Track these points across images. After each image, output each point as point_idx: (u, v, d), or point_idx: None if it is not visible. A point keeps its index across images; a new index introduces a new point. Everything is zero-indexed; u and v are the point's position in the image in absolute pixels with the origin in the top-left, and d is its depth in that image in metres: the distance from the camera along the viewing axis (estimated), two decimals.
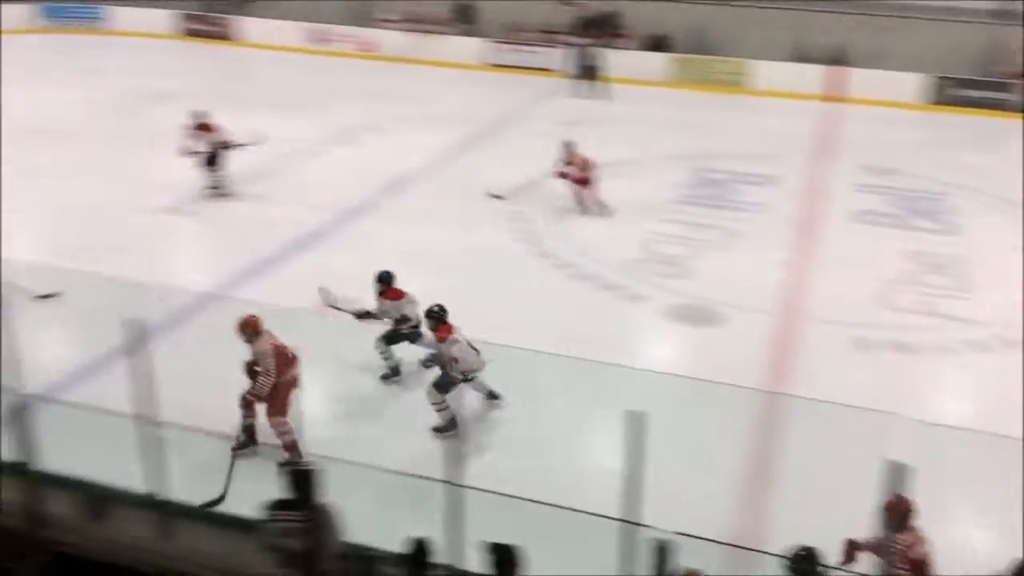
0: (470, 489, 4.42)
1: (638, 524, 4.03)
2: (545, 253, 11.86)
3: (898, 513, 4.71)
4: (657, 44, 23.41)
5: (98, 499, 5.58)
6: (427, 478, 4.44)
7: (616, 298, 10.66)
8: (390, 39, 24.60)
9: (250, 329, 6.95)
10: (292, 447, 6.98)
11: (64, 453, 5.98)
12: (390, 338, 8.39)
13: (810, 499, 6.65)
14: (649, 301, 10.59)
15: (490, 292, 10.48)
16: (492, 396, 7.99)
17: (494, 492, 5.16)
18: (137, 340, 4.51)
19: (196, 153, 13.19)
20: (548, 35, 23.96)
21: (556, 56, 22.79)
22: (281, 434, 7.01)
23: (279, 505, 4.40)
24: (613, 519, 4.14)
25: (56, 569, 3.60)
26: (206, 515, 5.06)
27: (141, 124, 17.22)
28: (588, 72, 21.34)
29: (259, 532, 4.41)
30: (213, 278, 10.62)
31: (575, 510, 5.22)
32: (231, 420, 7.06)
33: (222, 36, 25.84)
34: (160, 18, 25.91)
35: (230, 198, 13.37)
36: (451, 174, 14.99)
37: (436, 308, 7.68)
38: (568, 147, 13.21)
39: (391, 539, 4.49)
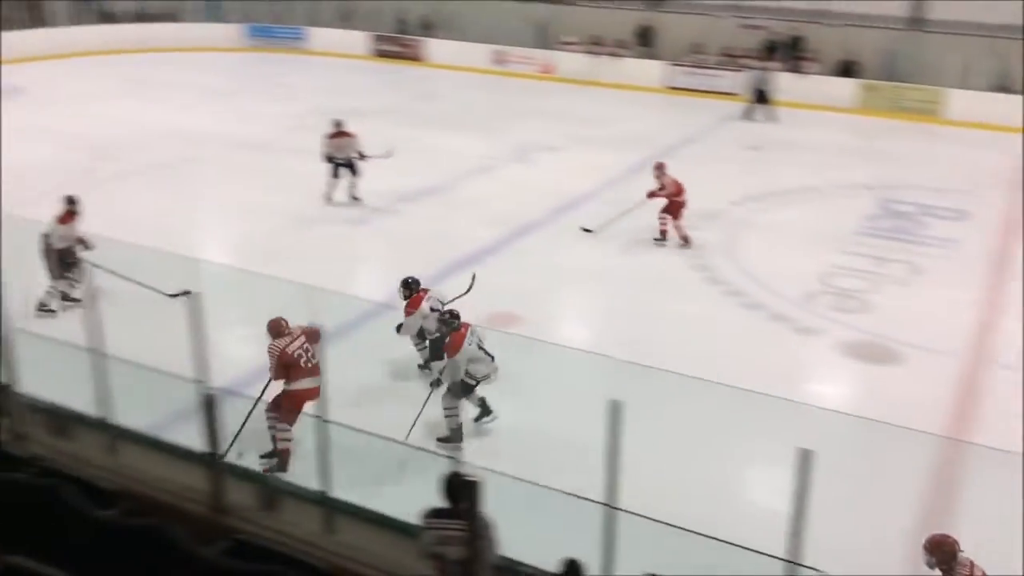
0: (636, 516, 4.36)
1: (800, 565, 3.87)
2: (717, 280, 11.62)
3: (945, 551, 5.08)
4: (845, 69, 22.60)
5: (272, 492, 5.89)
6: (586, 499, 4.40)
7: (788, 330, 10.31)
8: (570, 61, 24.88)
9: (270, 330, 7.17)
10: (283, 455, 6.99)
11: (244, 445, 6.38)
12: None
13: (984, 555, 6.18)
14: (824, 335, 10.17)
15: (657, 316, 10.37)
16: (485, 412, 7.74)
17: (657, 520, 5.06)
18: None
19: (333, 159, 13.94)
20: (730, 58, 23.57)
21: (738, 79, 22.39)
22: (276, 438, 7.05)
23: (438, 513, 4.48)
24: (776, 558, 3.99)
25: (235, 554, 3.83)
26: (370, 515, 5.22)
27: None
28: (759, 96, 20.88)
29: (419, 538, 4.51)
30: (385, 288, 11.02)
31: (738, 546, 5.06)
32: (389, 423, 7.27)
33: (411, 57, 26.89)
34: (355, 39, 27.24)
35: (360, 204, 14.00)
36: (624, 195, 14.94)
37: (410, 279, 8.30)
38: (659, 170, 12.71)
39: (543, 556, 4.50)
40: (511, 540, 4.52)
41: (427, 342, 8.47)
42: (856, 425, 8.00)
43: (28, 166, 14.48)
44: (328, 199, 13.99)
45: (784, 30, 23.24)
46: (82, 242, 9.89)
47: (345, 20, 27.43)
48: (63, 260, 9.79)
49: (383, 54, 27.31)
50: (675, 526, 5.13)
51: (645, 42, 24.96)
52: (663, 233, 12.70)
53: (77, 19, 27.04)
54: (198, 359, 5.28)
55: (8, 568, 3.16)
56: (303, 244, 12.44)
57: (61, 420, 6.54)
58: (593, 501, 4.17)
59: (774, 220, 13.93)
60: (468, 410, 7.59)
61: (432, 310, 8.17)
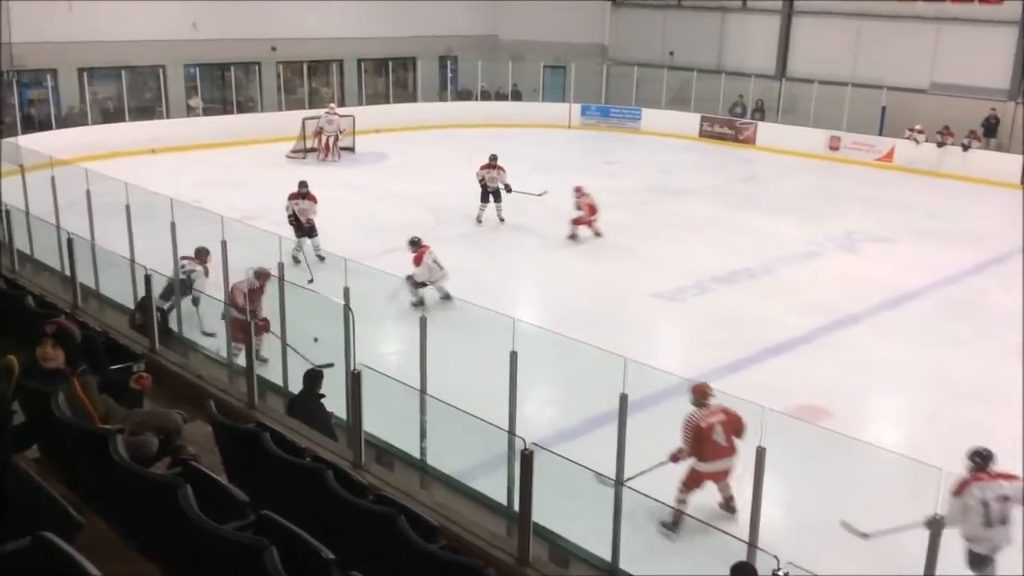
0: None
1: None
2: None
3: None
4: None
5: (563, 551, 6.14)
6: None
7: None
8: (911, 149, 23.60)
9: (694, 395, 7.64)
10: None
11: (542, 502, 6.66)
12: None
13: None
14: None
15: (975, 428, 9.44)
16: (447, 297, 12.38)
17: None
18: (621, 411, 4.90)
19: (485, 187, 17.09)
20: None
21: None
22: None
23: None
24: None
25: None
26: None
27: (654, 215, 18.56)
28: None
29: None
30: (691, 365, 11.01)
31: None
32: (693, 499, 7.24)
33: (742, 139, 26.90)
34: (687, 121, 27.75)
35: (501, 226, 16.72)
36: (958, 295, 13.88)
37: (415, 238, 12.67)
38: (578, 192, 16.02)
39: None
40: None
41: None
42: None
43: (378, 224, 16.21)
44: (478, 221, 17.07)
45: None
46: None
47: (679, 102, 28.06)
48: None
49: (713, 136, 27.54)
50: None
51: (992, 133, 23.12)
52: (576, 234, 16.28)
53: (438, 96, 30.09)
54: (511, 414, 5.65)
55: None
56: (615, 313, 12.79)
57: (387, 454, 7.26)
58: None
59: None
60: None
61: (434, 262, 12.42)
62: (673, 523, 7.31)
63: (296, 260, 13.54)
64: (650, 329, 12.66)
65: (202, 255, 11.10)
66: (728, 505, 7.69)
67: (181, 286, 10.46)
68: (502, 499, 6.98)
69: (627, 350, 10.27)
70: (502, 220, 17.17)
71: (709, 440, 7.32)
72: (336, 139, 22.99)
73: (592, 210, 16.25)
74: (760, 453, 5.91)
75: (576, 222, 16.23)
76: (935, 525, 5.47)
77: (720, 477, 7.46)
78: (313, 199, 14.64)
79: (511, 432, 6.95)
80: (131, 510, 3.77)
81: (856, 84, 25.08)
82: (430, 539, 4.06)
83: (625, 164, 23.87)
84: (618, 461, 6.71)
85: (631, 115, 28.86)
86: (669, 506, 7.23)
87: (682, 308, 13.38)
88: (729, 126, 27.30)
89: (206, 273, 10.97)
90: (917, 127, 23.56)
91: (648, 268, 14.82)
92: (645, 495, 6.22)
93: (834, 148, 25.07)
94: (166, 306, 10.07)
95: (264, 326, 9.33)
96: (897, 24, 25.17)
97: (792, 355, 11.54)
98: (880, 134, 24.58)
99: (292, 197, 14.62)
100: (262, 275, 10.10)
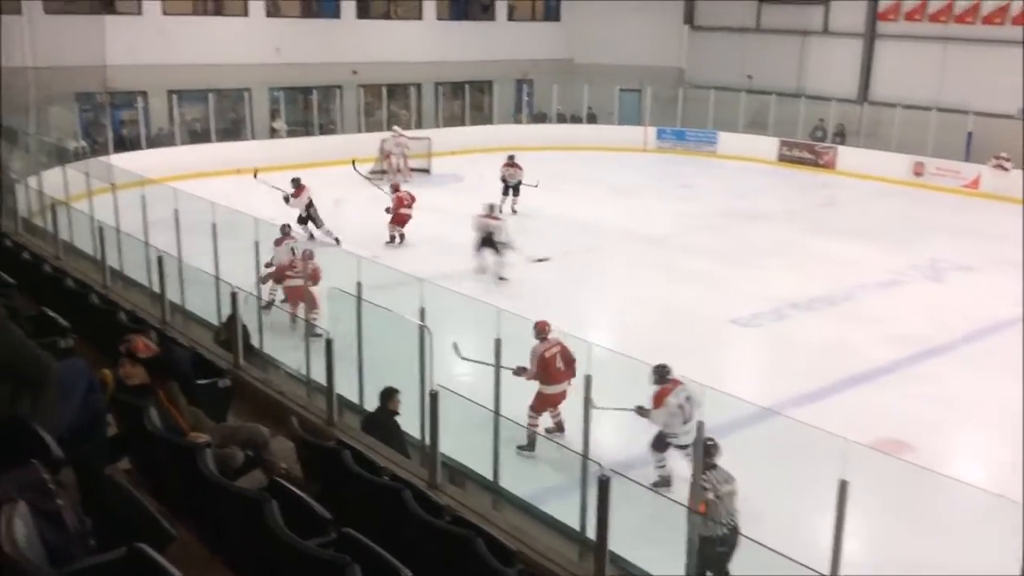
0: None
1: None
2: None
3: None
4: None
5: None
6: None
7: None
8: (998, 177, 22.91)
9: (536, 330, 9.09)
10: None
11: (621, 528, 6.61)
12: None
13: None
14: None
15: None
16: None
17: None
18: (698, 439, 4.85)
19: (505, 182, 19.82)
20: None
21: None
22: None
23: None
24: None
25: None
26: None
27: (731, 239, 18.36)
28: None
29: None
30: (767, 393, 10.83)
31: None
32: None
33: (821, 164, 26.47)
34: (765, 145, 27.43)
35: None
36: None
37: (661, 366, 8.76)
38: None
39: None
40: None
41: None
42: None
43: (452, 245, 16.34)
44: (499, 210, 17.29)
45: None
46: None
47: (757, 126, 27.75)
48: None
49: (792, 160, 27.15)
50: None
51: None
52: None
53: (513, 119, 30.31)
54: (585, 438, 5.63)
55: None
56: (691, 339, 12.64)
57: (459, 474, 7.29)
58: None
59: None
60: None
61: (679, 407, 8.56)
62: (529, 444, 8.82)
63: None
64: (726, 356, 12.50)
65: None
66: (559, 426, 9.36)
67: None
68: (573, 523, 6.95)
69: (703, 377, 10.21)
70: (515, 212, 19.47)
71: (552, 367, 8.97)
72: (405, 159, 23.40)
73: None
74: (842, 486, 5.77)
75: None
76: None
77: (561, 399, 9.12)
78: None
79: (585, 456, 6.93)
80: (219, 524, 3.87)
81: (941, 109, 24.50)
82: (507, 563, 4.07)
83: (701, 188, 23.68)
84: (692, 489, 6.64)
85: (707, 138, 28.64)
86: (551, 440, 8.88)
87: (760, 335, 13.19)
88: (809, 150, 26.89)
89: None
90: (1004, 155, 22.87)
91: (725, 294, 14.64)
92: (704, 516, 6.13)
93: (918, 174, 24.48)
94: None
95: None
96: (984, 48, 24.51)
97: (873, 386, 11.27)
98: (966, 160, 23.93)
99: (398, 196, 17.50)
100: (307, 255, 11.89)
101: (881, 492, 7.87)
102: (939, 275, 16.14)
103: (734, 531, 6.68)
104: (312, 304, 10.99)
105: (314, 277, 11.52)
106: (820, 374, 11.39)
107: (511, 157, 20.27)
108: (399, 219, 17.15)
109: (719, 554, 6.65)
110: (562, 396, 9.21)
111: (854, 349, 12.30)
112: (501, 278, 15.15)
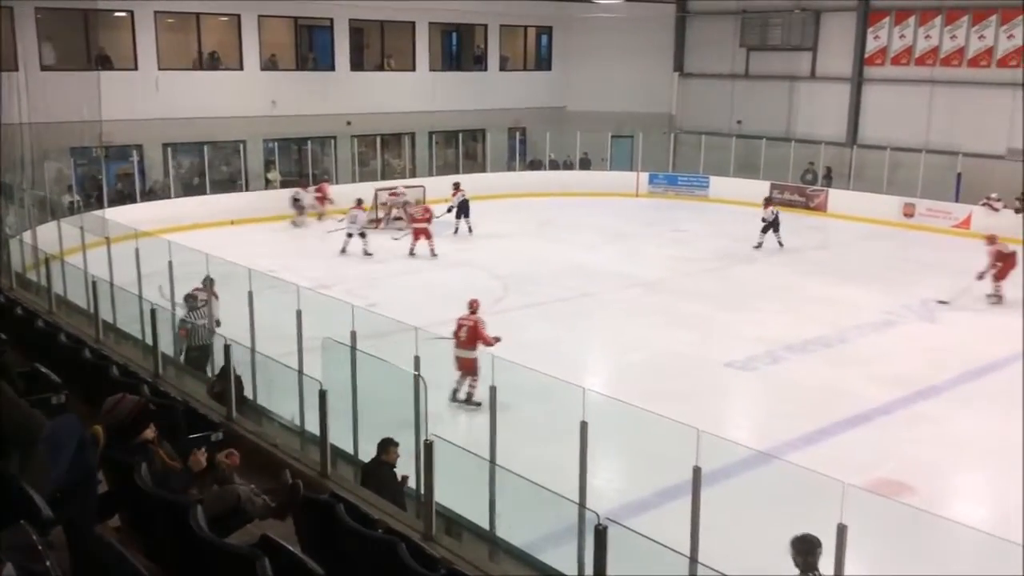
0: None
1: None
2: None
3: None
4: None
5: None
6: None
7: None
8: (988, 216, 23.05)
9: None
10: None
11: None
12: None
13: None
14: None
15: None
16: None
17: None
18: (695, 485, 4.82)
19: (452, 209, 22.34)
20: None
21: None
22: None
23: None
24: None
25: None
26: None
27: (724, 283, 18.41)
28: None
29: None
30: (763, 436, 10.79)
31: None
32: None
33: (812, 206, 26.63)
34: (756, 188, 27.58)
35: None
36: None
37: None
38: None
39: None
40: None
41: None
42: None
43: (446, 292, 16.36)
44: (455, 232, 21.89)
45: None
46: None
47: (748, 169, 27.94)
48: None
49: (783, 203, 27.25)
50: None
51: None
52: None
53: (506, 166, 30.52)
54: (582, 485, 5.58)
55: None
56: (687, 383, 12.63)
57: (455, 524, 7.22)
58: None
59: None
60: None
61: None
62: (467, 400, 11.22)
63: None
64: (722, 399, 12.47)
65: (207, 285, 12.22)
66: (470, 400, 11.19)
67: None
68: (570, 571, 6.87)
69: (699, 421, 10.13)
70: (470, 231, 22.30)
71: (457, 334, 11.41)
72: (404, 208, 23.49)
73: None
74: (841, 530, 5.73)
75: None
76: None
77: (462, 365, 11.35)
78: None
79: (581, 504, 6.87)
80: None
81: (930, 151, 24.75)
82: None
83: (693, 232, 23.79)
84: (692, 536, 6.57)
85: (699, 183, 28.85)
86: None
87: (755, 378, 13.17)
88: (799, 193, 27.07)
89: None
90: (993, 195, 23.06)
91: (720, 337, 14.65)
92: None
93: (908, 215, 24.66)
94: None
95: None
96: (971, 90, 24.84)
97: (870, 427, 11.24)
98: (956, 200, 24.10)
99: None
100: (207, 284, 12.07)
101: (881, 535, 7.82)
102: (933, 315, 16.16)
103: None
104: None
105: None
106: (816, 416, 11.36)
107: (456, 184, 23.00)
108: (416, 233, 20.09)
109: None
110: (464, 363, 11.33)
111: (850, 391, 12.28)
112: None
